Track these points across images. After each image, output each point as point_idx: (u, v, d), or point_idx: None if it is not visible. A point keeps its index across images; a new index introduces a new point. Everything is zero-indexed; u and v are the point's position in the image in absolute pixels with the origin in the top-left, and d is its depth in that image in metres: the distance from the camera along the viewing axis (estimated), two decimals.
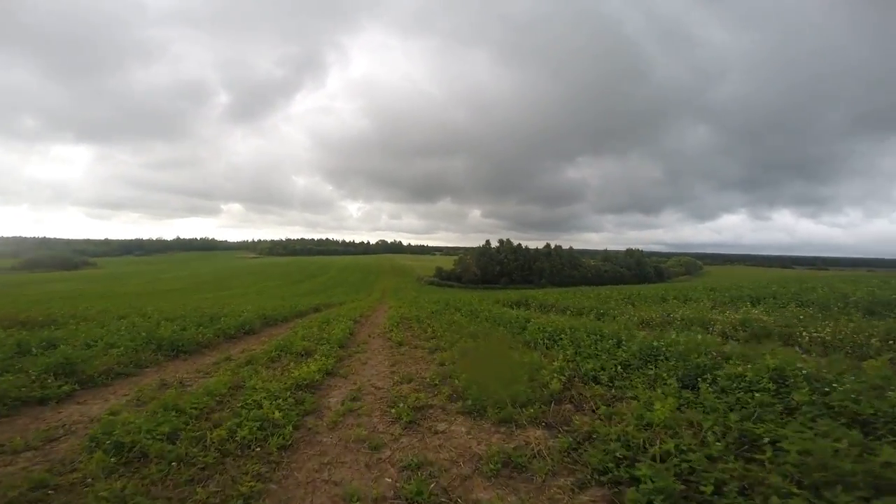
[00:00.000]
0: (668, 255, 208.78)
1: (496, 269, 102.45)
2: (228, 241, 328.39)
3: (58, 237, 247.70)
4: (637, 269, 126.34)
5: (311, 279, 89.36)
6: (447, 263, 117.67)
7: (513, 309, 14.61)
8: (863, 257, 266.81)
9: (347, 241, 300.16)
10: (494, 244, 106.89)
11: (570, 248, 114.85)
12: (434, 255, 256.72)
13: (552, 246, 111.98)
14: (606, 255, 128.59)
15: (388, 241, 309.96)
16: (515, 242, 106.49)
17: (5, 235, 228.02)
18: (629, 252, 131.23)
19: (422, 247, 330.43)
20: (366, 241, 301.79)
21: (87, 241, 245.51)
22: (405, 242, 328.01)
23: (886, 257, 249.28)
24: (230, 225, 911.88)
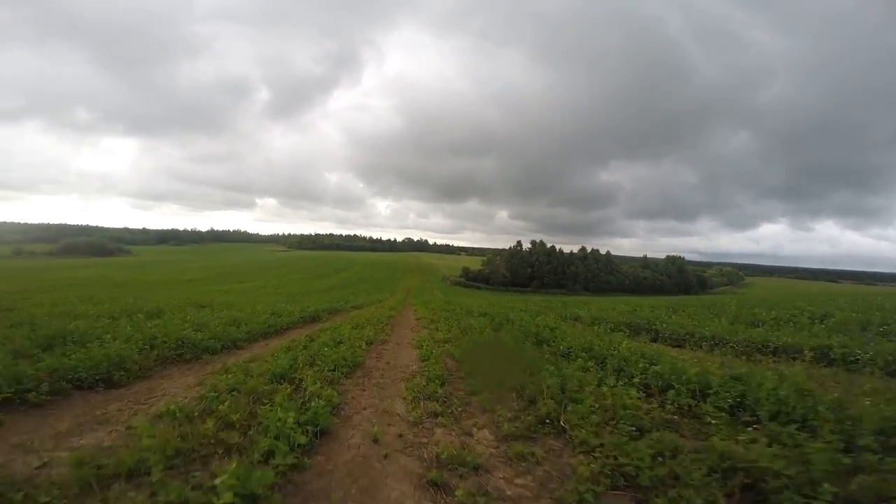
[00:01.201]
0: (703, 265, 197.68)
1: (527, 271, 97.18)
2: (260, 233, 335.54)
3: (100, 225, 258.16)
4: (678, 277, 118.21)
5: (334, 274, 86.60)
6: (473, 263, 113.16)
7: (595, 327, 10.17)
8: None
9: (375, 237, 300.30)
10: (526, 245, 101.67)
11: (608, 253, 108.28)
12: (459, 254, 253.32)
13: (588, 249, 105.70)
14: (646, 262, 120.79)
15: (415, 239, 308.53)
16: (549, 244, 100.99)
17: (51, 222, 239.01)
18: (670, 259, 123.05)
19: (447, 246, 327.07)
20: (392, 239, 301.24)
21: (126, 230, 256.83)
22: (431, 241, 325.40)
23: None
24: (264, 219, 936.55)
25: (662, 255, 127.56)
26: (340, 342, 6.99)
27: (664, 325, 10.19)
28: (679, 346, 8.35)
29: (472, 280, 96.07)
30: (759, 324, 10.53)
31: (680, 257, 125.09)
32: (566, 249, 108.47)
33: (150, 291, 36.32)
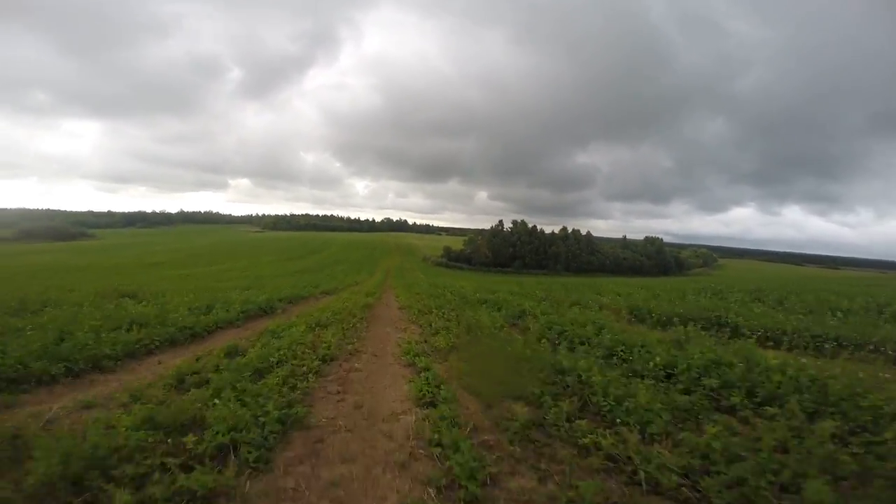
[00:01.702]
0: (676, 246, 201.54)
1: (509, 251, 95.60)
2: (233, 214, 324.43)
3: (62, 209, 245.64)
4: (657, 258, 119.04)
5: (309, 256, 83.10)
6: (455, 243, 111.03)
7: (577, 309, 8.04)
8: (870, 258, 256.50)
9: (353, 217, 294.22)
10: (507, 225, 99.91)
11: (588, 233, 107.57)
12: (440, 234, 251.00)
13: (569, 230, 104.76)
14: (625, 243, 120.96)
15: (394, 219, 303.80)
16: (530, 224, 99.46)
17: (9, 207, 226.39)
18: (649, 240, 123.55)
19: (427, 226, 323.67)
20: (371, 219, 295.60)
21: (91, 213, 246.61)
22: (411, 221, 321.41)
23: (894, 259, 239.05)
24: (238, 200, 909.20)
25: (638, 237, 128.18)
26: (277, 363, 4.58)
27: (741, 317, 7.95)
28: (775, 347, 6.31)
29: (454, 260, 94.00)
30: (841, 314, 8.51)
31: (658, 239, 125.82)
32: (546, 230, 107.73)
33: (104, 276, 33.02)
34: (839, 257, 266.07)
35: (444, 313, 9.22)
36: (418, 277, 41.49)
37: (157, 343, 5.67)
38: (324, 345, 5.62)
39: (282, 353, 4.88)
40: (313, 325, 7.18)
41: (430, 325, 7.80)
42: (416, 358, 5.25)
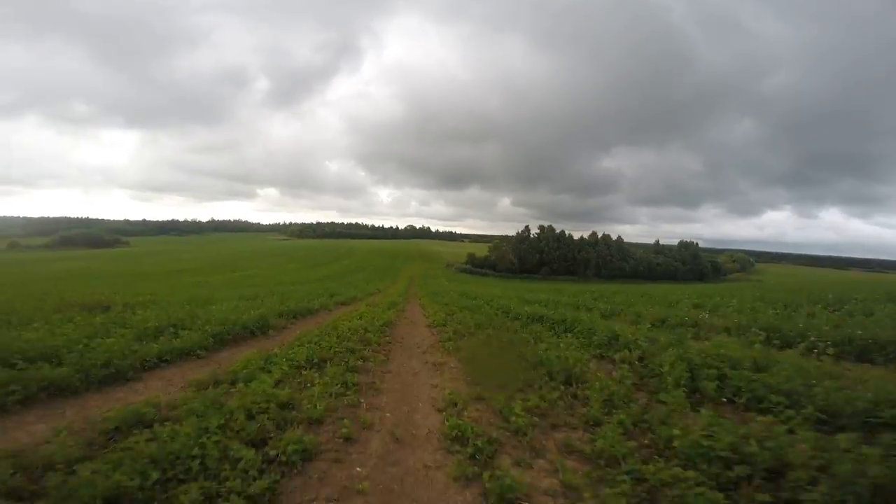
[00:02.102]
0: (707, 251, 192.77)
1: (535, 257, 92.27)
2: (261, 223, 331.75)
3: (100, 218, 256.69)
4: (693, 263, 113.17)
5: (332, 263, 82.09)
6: (478, 250, 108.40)
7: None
8: None
9: (377, 225, 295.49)
10: (534, 231, 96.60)
11: (619, 238, 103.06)
12: (462, 241, 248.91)
13: (599, 235, 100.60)
14: (658, 247, 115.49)
15: (417, 227, 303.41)
16: (557, 230, 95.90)
17: (51, 216, 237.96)
18: (683, 245, 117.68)
19: (450, 233, 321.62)
20: (395, 227, 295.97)
21: (126, 222, 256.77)
22: (433, 229, 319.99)
23: None
24: (265, 209, 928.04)
25: (669, 242, 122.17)
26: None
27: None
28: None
29: (479, 267, 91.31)
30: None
31: (693, 243, 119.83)
32: (574, 235, 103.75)
33: (124, 283, 32.33)
34: (884, 260, 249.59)
35: (489, 336, 6.89)
36: (443, 285, 39.19)
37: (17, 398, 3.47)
38: (302, 414, 3.32)
39: (194, 453, 2.54)
40: (305, 363, 4.91)
41: (477, 360, 5.44)
42: (486, 463, 2.77)
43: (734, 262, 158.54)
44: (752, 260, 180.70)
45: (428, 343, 7.72)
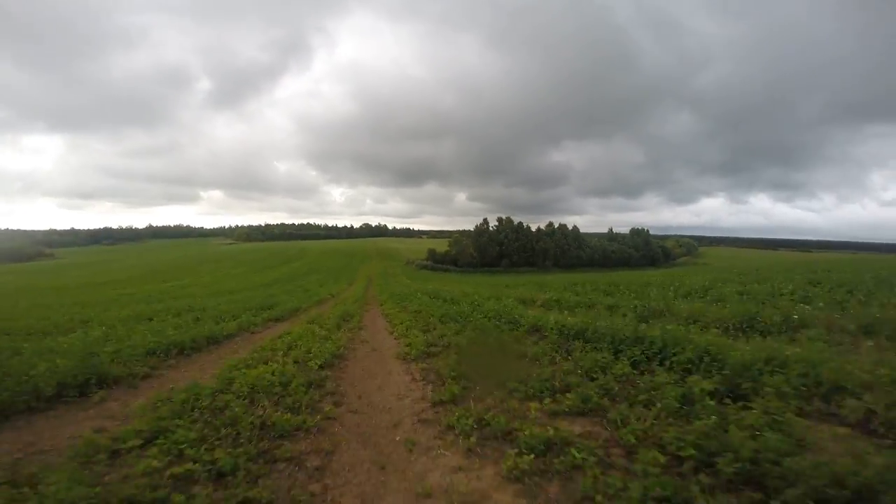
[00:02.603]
0: (654, 238, 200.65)
1: (495, 250, 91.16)
2: (205, 227, 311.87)
3: (22, 228, 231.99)
4: (645, 249, 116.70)
5: (282, 266, 76.70)
6: (438, 245, 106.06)
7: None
8: (835, 240, 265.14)
9: (330, 225, 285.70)
10: (492, 224, 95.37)
11: (575, 227, 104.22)
12: (421, 237, 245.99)
13: (556, 225, 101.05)
14: (612, 235, 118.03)
15: (373, 225, 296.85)
16: (515, 221, 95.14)
17: None
18: (635, 232, 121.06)
19: (408, 230, 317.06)
20: (349, 225, 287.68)
21: (54, 232, 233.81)
22: (391, 226, 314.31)
23: (858, 240, 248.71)
24: (210, 212, 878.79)
25: (615, 230, 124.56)
26: None
27: None
28: None
29: (439, 262, 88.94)
30: None
31: (644, 230, 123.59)
32: (532, 227, 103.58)
33: (37, 298, 27.29)
34: (807, 241, 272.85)
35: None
36: (406, 284, 36.48)
37: None
38: None
39: None
40: None
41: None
42: None
43: (681, 246, 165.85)
44: (695, 245, 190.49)
45: (414, 411, 4.22)
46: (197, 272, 64.39)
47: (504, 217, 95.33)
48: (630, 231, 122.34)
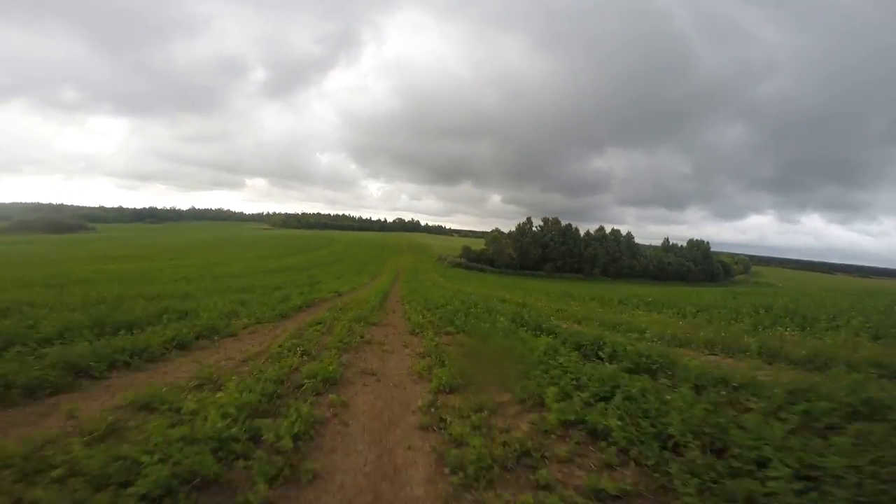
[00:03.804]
0: None
1: (538, 252, 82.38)
2: (245, 212, 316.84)
3: (74, 204, 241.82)
4: (704, 263, 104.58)
5: (306, 252, 71.04)
6: (473, 244, 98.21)
7: None
8: (890, 267, 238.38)
9: (364, 217, 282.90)
10: (537, 224, 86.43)
11: (629, 234, 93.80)
12: (453, 236, 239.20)
13: (607, 229, 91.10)
14: (668, 245, 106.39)
15: (406, 220, 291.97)
16: (563, 223, 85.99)
17: (22, 202, 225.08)
18: (694, 244, 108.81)
19: (440, 227, 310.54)
20: (383, 219, 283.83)
21: (101, 209, 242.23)
22: (423, 222, 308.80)
23: None
24: (253, 199, 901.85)
25: (667, 241, 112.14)
26: None
27: None
28: None
29: (474, 261, 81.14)
30: None
31: (704, 242, 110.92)
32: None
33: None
34: (861, 266, 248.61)
35: None
36: (440, 284, 28.99)
37: None
38: None
39: None
40: None
41: None
42: None
43: (737, 263, 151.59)
44: (750, 262, 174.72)
45: None
46: (209, 253, 59.41)
47: (551, 218, 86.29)
48: (688, 243, 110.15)
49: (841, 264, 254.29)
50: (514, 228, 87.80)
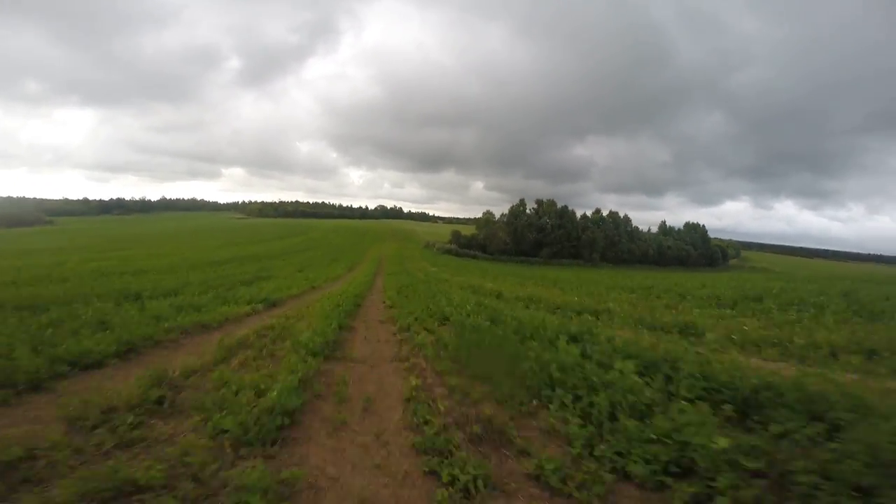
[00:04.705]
0: None
1: (532, 236, 75.92)
2: (219, 202, 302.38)
3: (36, 197, 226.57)
4: (703, 247, 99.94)
5: (277, 240, 63.11)
6: (462, 229, 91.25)
7: None
8: (860, 252, 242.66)
9: (345, 205, 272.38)
10: (531, 206, 79.70)
11: (626, 217, 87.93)
12: (437, 222, 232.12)
13: (604, 212, 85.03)
14: (666, 229, 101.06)
15: (388, 207, 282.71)
16: (559, 205, 79.52)
17: None
18: (691, 227, 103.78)
19: (423, 214, 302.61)
20: (364, 206, 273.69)
21: (65, 201, 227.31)
22: (406, 210, 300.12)
23: (885, 254, 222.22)
24: (231, 189, 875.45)
25: (664, 224, 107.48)
26: None
27: None
28: None
29: (465, 247, 74.28)
30: None
31: (701, 225, 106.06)
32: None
33: None
34: (833, 251, 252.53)
35: None
36: (426, 269, 22.27)
37: None
38: None
39: None
40: None
41: None
42: None
43: (729, 248, 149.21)
44: (738, 247, 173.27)
45: None
46: (162, 243, 51.14)
47: (545, 199, 79.51)
48: (685, 226, 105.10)
49: (814, 248, 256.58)
50: (505, 212, 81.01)
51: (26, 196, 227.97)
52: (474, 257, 68.37)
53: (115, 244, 49.71)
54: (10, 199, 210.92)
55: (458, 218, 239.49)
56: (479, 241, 77.30)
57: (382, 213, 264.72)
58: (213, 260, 27.32)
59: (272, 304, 10.00)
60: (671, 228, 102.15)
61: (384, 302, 12.14)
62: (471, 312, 8.22)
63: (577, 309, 10.74)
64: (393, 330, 7.63)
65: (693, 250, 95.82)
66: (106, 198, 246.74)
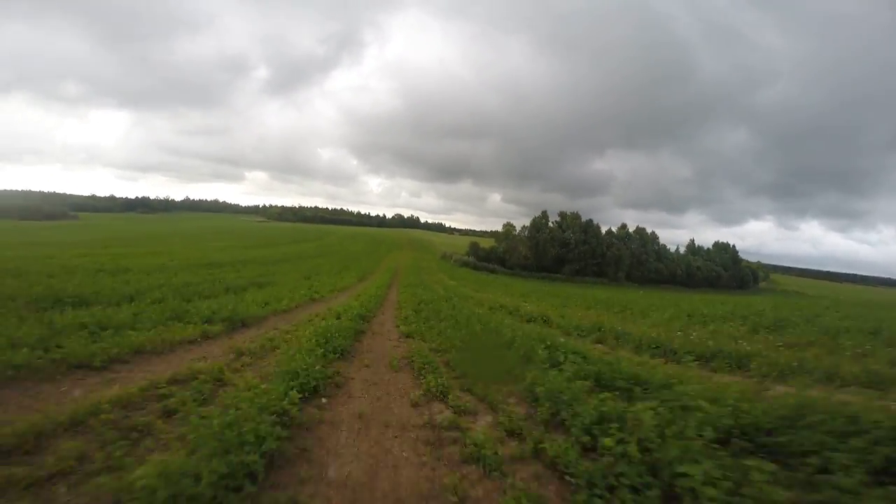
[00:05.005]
0: None
1: (555, 251, 72.27)
2: (240, 204, 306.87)
3: (66, 192, 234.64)
4: (733, 269, 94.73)
5: (289, 245, 60.90)
6: (479, 242, 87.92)
7: None
8: (889, 277, 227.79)
9: (363, 213, 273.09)
10: (554, 219, 76.07)
11: (654, 233, 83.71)
12: (453, 233, 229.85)
13: (630, 229, 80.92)
14: (695, 248, 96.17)
15: (405, 216, 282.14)
16: (584, 218, 75.84)
17: (17, 189, 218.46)
18: (721, 247, 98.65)
19: (440, 225, 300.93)
20: (381, 215, 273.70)
21: (92, 197, 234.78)
22: (423, 219, 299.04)
23: None
24: (253, 192, 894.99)
25: (692, 243, 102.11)
26: None
27: None
28: None
29: (484, 260, 71.03)
30: None
31: (731, 245, 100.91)
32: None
33: None
34: (861, 275, 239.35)
35: None
36: (446, 283, 19.35)
37: None
38: None
39: None
40: None
41: None
42: None
43: (759, 270, 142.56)
44: (766, 269, 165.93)
45: None
46: (169, 243, 49.45)
47: (570, 212, 75.93)
48: (714, 245, 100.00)
49: (841, 273, 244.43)
50: (527, 224, 77.55)
51: (56, 191, 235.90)
52: (493, 271, 65.06)
53: (120, 241, 48.22)
54: (41, 193, 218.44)
55: (474, 230, 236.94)
56: (498, 255, 74.00)
57: (400, 222, 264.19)
58: (212, 261, 24.86)
59: (239, 325, 7.18)
60: (699, 248, 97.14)
61: (398, 326, 9.23)
62: (548, 360, 5.22)
63: (690, 351, 7.62)
64: (414, 391, 4.65)
65: (724, 272, 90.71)
66: (132, 196, 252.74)
